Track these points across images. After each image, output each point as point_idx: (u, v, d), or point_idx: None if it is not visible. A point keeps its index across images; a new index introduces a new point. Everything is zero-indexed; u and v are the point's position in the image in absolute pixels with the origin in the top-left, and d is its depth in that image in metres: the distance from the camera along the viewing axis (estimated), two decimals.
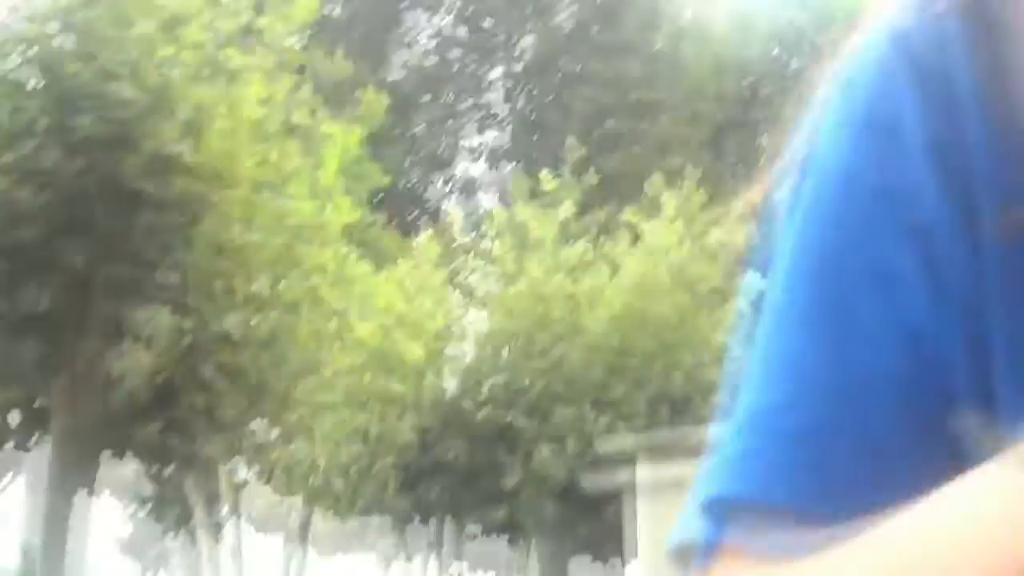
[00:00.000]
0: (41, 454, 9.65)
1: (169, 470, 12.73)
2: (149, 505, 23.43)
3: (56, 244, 7.35)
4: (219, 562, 21.11)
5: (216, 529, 20.50)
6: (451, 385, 10.23)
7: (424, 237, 12.63)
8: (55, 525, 7.93)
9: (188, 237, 7.89)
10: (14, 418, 8.82)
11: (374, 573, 20.98)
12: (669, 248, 10.62)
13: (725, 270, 11.40)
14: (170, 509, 21.86)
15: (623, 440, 8.41)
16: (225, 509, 19.69)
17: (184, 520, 22.16)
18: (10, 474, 25.12)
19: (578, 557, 11.60)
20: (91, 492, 8.61)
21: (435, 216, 20.62)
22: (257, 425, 9.52)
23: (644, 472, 7.67)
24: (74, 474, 8.08)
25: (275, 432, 9.91)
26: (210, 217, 7.89)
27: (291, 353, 8.50)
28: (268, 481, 16.86)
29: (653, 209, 11.04)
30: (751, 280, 0.58)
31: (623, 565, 9.85)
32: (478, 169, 24.66)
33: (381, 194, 12.18)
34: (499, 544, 13.90)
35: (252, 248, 8.14)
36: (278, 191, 8.35)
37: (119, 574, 35.27)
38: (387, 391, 10.02)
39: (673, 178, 11.64)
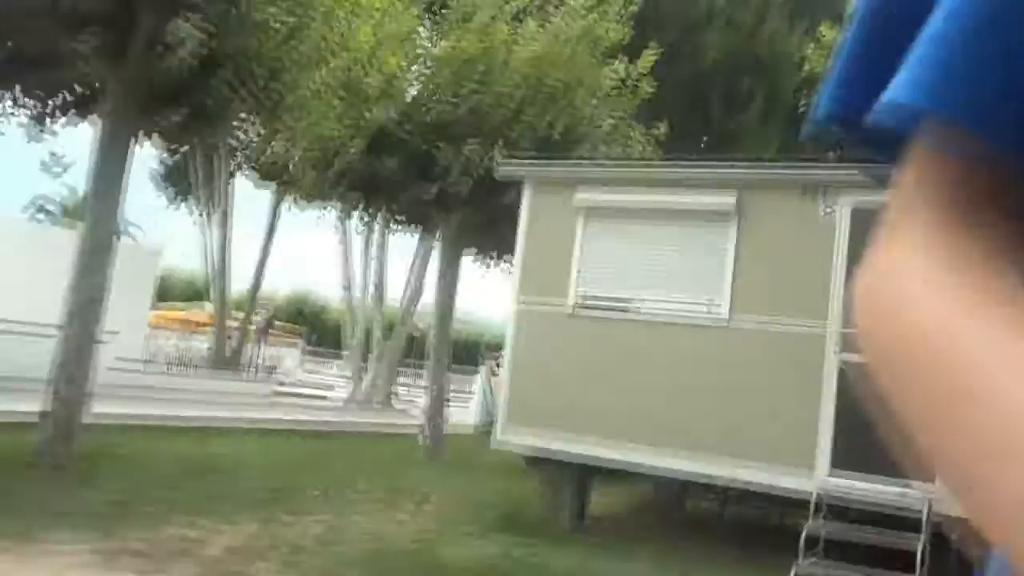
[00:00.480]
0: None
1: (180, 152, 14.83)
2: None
3: None
4: (213, 226, 24.06)
5: (210, 204, 23.48)
6: (393, 114, 12.27)
7: None
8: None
9: None
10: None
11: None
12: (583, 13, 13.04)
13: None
14: (179, 182, 24.61)
15: (516, 168, 9.91)
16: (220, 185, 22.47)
17: (184, 193, 25.03)
18: None
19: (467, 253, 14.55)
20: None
21: None
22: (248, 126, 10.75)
23: (529, 194, 9.50)
24: (116, 148, 9.10)
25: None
26: None
27: (304, 47, 9.05)
28: (254, 169, 19.29)
29: None
30: None
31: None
32: None
33: None
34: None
35: None
36: None
37: None
38: (365, 90, 11.95)
39: None
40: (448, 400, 14.31)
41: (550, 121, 12.23)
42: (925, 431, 0.47)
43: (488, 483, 9.84)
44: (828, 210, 8.05)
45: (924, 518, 7.04)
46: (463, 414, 17.00)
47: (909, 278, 0.51)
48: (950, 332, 0.47)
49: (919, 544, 6.79)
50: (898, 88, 0.52)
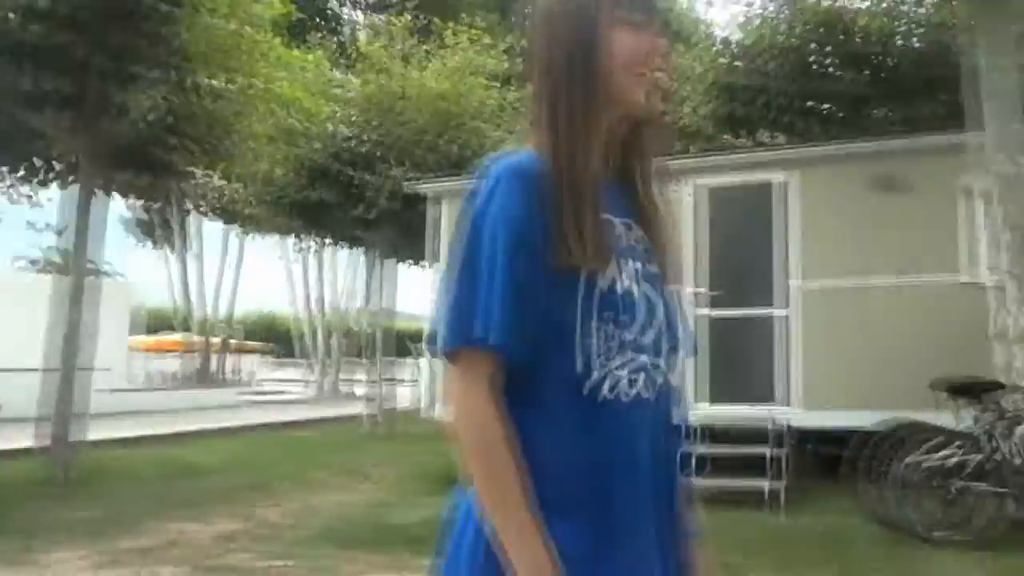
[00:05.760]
0: None
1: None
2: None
3: (60, 38, 7.44)
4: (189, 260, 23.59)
5: (180, 242, 23.02)
6: (328, 151, 12.50)
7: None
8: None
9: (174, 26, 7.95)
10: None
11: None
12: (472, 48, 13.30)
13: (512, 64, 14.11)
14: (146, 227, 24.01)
15: (434, 187, 10.18)
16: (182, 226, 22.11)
17: (151, 235, 24.56)
18: None
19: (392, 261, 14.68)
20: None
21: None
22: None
23: (447, 209, 9.64)
24: (90, 204, 8.91)
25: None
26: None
27: (246, 108, 9.05)
28: (212, 211, 19.07)
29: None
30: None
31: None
32: None
33: None
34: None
35: (218, 35, 8.33)
36: None
37: None
38: (301, 134, 11.98)
39: None
40: (394, 385, 14.46)
41: (460, 144, 12.44)
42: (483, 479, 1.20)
43: (436, 453, 10.01)
44: (675, 190, 8.45)
45: (784, 432, 7.48)
46: (411, 396, 17.10)
47: (486, 414, 1.18)
48: (499, 451, 1.17)
49: (768, 451, 7.19)
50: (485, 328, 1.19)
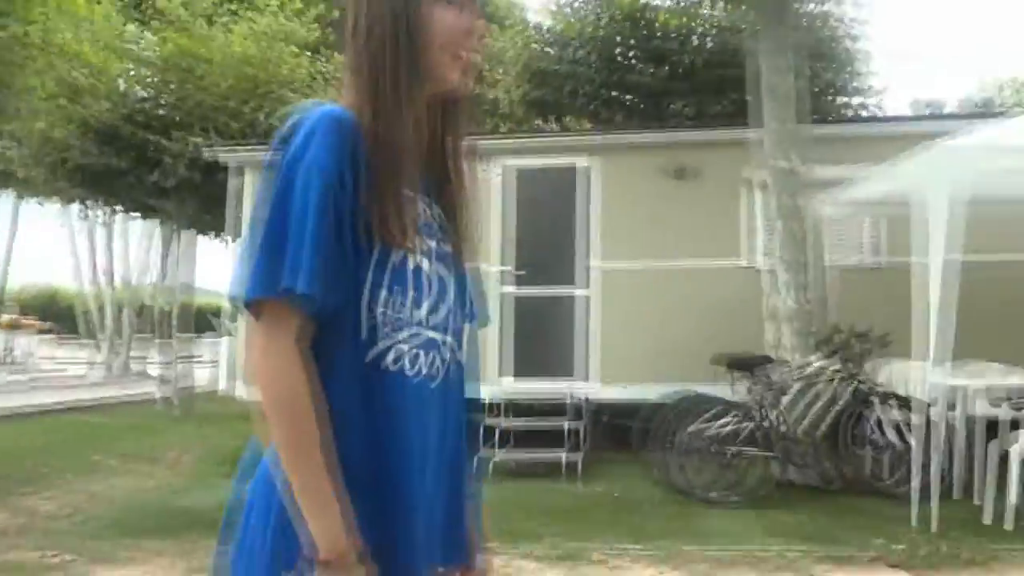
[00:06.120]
0: None
1: None
2: None
3: None
4: None
5: None
6: (120, 111, 11.58)
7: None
8: None
9: None
10: None
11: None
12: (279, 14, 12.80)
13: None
14: None
15: (239, 156, 9.62)
16: None
17: None
18: None
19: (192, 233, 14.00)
20: None
21: None
22: None
23: (250, 179, 9.24)
24: None
25: None
26: None
27: (21, 59, 8.42)
28: None
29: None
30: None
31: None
32: None
33: None
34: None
35: None
36: None
37: None
38: (87, 91, 11.19)
39: None
40: (192, 364, 13.75)
41: (266, 113, 11.92)
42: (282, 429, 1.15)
43: (237, 434, 9.62)
44: (483, 170, 8.61)
45: (583, 405, 7.85)
46: (210, 376, 16.32)
47: (292, 367, 1.14)
48: (304, 407, 1.14)
49: (566, 424, 7.54)
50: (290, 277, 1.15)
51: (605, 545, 5.08)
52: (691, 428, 6.21)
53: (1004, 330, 6.91)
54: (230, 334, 12.51)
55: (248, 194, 9.39)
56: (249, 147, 9.92)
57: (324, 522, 1.10)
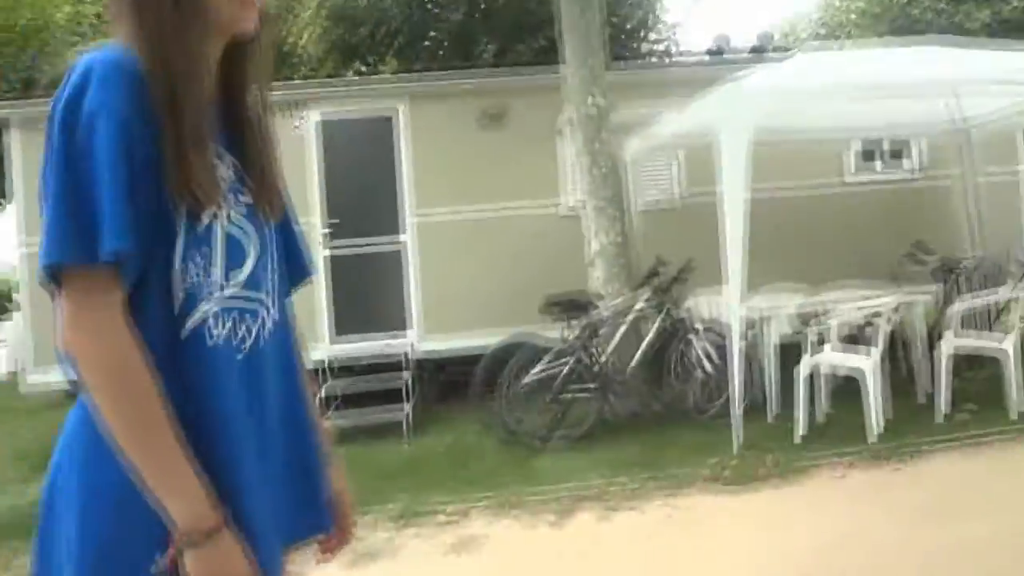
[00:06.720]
0: None
1: None
2: None
3: None
4: None
5: None
6: None
7: None
8: None
9: None
10: None
11: None
12: None
13: None
14: None
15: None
16: None
17: None
18: None
19: None
20: None
21: None
22: None
23: (16, 136, 8.23)
24: None
25: None
26: None
27: None
28: None
29: None
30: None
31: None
32: None
33: None
34: None
35: None
36: None
37: None
38: None
39: None
40: None
41: (28, 66, 10.60)
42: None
43: (26, 429, 8.61)
44: (297, 125, 8.09)
45: (407, 359, 7.65)
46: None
47: (122, 338, 1.03)
48: (142, 379, 1.03)
49: (403, 379, 7.36)
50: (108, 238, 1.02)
51: (448, 499, 4.98)
52: (517, 373, 6.17)
53: (797, 252, 7.40)
54: (12, 320, 11.25)
55: (18, 154, 8.35)
56: (12, 101, 8.77)
57: (186, 500, 1.02)
